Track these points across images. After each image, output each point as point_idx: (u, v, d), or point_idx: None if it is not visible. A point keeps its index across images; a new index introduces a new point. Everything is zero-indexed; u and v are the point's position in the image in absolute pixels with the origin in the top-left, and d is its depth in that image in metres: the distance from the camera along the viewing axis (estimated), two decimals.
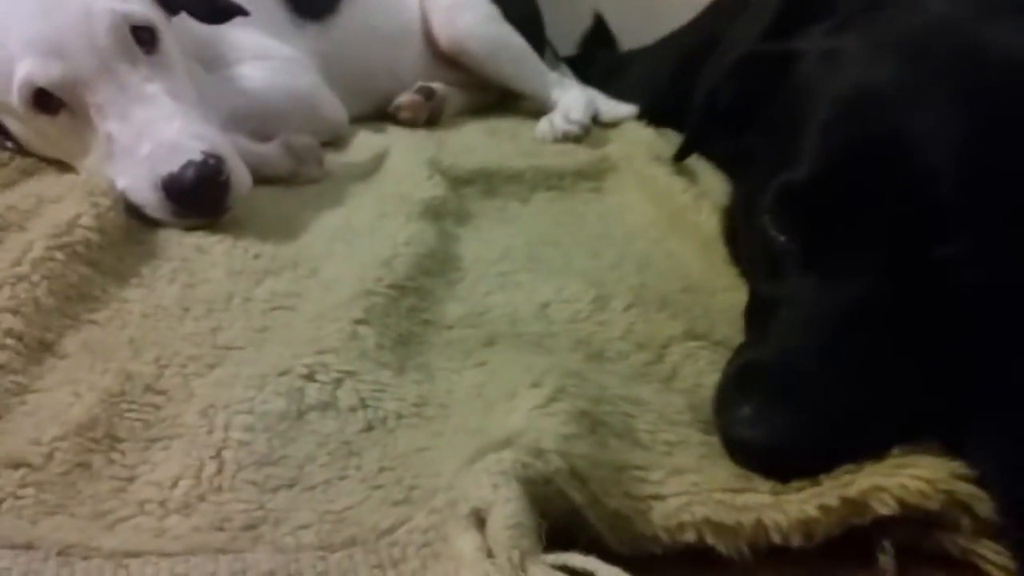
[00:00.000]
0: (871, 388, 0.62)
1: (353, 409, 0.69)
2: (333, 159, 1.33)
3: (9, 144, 1.13)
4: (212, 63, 1.32)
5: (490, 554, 0.50)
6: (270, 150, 1.22)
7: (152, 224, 1.00)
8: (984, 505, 0.57)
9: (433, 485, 0.60)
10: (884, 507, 0.56)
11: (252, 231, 1.01)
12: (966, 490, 0.57)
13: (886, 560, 0.57)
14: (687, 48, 1.56)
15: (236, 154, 1.05)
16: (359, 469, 0.63)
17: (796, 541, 0.56)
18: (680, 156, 1.08)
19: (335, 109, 1.50)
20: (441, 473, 0.61)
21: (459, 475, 0.58)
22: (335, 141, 1.47)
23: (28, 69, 1.00)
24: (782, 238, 0.71)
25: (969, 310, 0.64)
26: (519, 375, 0.71)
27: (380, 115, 1.67)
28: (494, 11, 1.78)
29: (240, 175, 1.03)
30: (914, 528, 0.58)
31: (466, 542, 0.51)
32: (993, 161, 0.64)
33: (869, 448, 0.59)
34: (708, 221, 1.07)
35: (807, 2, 1.00)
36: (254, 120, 1.27)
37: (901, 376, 0.63)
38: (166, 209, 0.99)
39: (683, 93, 1.37)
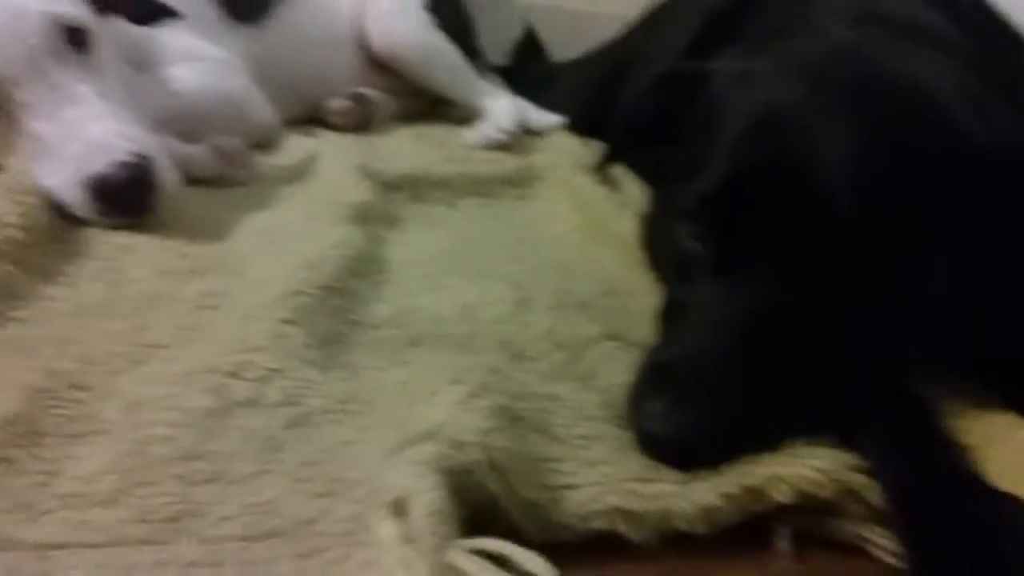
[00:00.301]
0: (771, 386, 0.65)
1: (279, 405, 0.70)
2: (263, 162, 1.33)
3: None
4: (142, 64, 1.30)
5: (410, 540, 0.52)
6: (198, 152, 1.22)
7: (77, 223, 0.99)
8: (874, 494, 0.61)
9: (356, 477, 0.62)
10: (782, 495, 0.60)
11: (179, 231, 1.01)
12: (858, 480, 0.61)
13: (783, 545, 0.61)
14: (614, 62, 1.58)
15: (165, 155, 1.05)
16: (284, 463, 0.64)
17: (700, 528, 0.59)
18: (600, 166, 1.12)
19: (265, 112, 1.50)
20: (364, 466, 0.62)
21: (381, 466, 0.59)
22: (265, 144, 1.46)
23: None
24: (693, 245, 0.74)
25: (861, 315, 0.68)
26: (442, 373, 0.72)
27: (311, 119, 1.67)
28: (428, 20, 1.80)
29: (167, 176, 1.03)
30: (809, 515, 0.61)
31: (387, 529, 0.53)
32: (887, 177, 0.68)
33: (769, 441, 0.63)
34: (629, 229, 1.09)
35: (725, 26, 1.05)
36: (183, 121, 1.27)
37: (799, 375, 0.66)
38: (92, 208, 0.99)
39: (609, 105, 1.41)
